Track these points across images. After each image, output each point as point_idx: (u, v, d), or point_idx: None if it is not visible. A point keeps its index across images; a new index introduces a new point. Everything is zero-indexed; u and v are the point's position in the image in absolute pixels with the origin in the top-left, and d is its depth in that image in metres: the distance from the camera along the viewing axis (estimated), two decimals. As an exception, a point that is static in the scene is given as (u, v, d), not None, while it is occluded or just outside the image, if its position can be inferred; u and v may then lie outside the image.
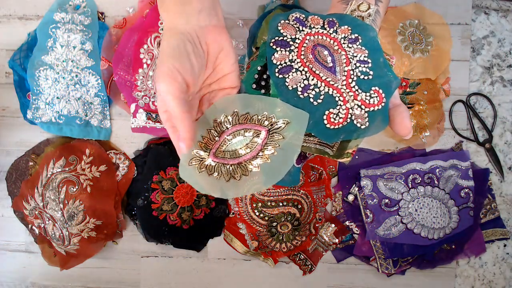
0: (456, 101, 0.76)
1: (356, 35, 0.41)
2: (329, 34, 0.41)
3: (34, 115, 0.74)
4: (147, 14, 0.72)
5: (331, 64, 0.39)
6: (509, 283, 0.77)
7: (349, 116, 0.38)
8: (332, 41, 0.40)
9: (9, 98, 0.78)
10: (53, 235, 0.72)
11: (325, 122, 0.38)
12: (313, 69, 0.39)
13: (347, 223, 0.76)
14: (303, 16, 0.42)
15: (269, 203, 0.71)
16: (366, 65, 0.40)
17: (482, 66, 0.77)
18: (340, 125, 0.38)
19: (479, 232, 0.76)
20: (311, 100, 0.38)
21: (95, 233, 0.73)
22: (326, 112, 0.38)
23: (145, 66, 0.71)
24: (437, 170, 0.73)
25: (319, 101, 0.38)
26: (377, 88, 0.39)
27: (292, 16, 0.41)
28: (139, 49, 0.71)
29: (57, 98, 0.74)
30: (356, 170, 0.75)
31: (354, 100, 0.38)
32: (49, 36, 0.73)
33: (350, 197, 0.75)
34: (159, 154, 0.73)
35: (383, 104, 0.39)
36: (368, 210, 0.74)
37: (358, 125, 0.38)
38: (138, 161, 0.76)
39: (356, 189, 0.75)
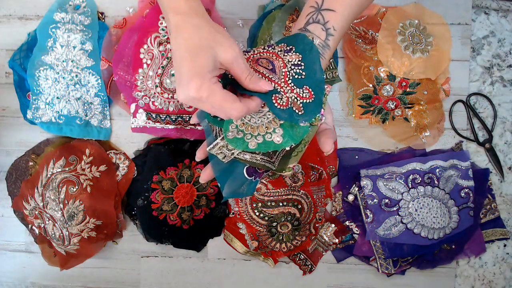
0: (456, 101, 0.76)
1: (291, 46, 0.50)
2: (268, 50, 0.51)
3: (34, 115, 0.74)
4: (147, 14, 0.72)
5: (271, 67, 0.49)
6: (509, 283, 0.77)
7: (289, 103, 0.48)
8: (271, 54, 0.50)
9: (9, 98, 0.78)
10: (53, 235, 0.72)
11: (273, 101, 0.48)
12: (259, 70, 0.49)
13: (347, 223, 0.76)
14: (249, 49, 0.54)
15: (269, 203, 0.71)
16: (299, 67, 0.50)
17: (482, 66, 0.77)
18: (284, 107, 0.48)
19: (479, 232, 0.76)
20: None
21: (95, 233, 0.73)
22: (273, 95, 0.48)
23: (145, 66, 0.71)
24: (437, 170, 0.73)
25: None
26: (307, 87, 0.50)
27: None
28: (139, 49, 0.71)
29: (57, 98, 0.74)
30: (356, 170, 0.75)
31: (291, 93, 0.49)
32: (49, 36, 0.73)
33: (350, 197, 0.75)
34: (159, 154, 0.73)
35: (313, 98, 0.49)
36: (368, 210, 0.74)
37: (297, 111, 0.49)
38: (138, 161, 0.76)
39: (356, 189, 0.75)
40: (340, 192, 0.77)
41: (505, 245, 0.77)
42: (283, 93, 0.49)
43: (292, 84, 0.49)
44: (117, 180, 0.75)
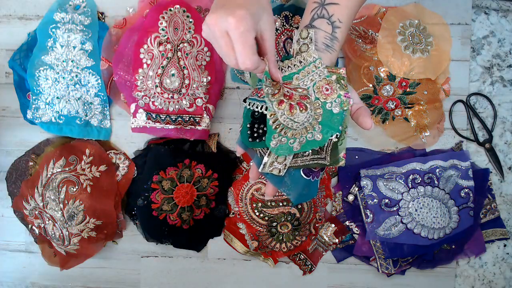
0: (456, 101, 0.76)
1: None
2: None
3: (34, 115, 0.74)
4: (147, 14, 0.72)
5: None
6: (509, 283, 0.77)
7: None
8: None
9: (9, 98, 0.78)
10: (53, 235, 0.72)
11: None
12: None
13: (347, 223, 0.76)
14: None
15: (269, 203, 0.71)
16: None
17: (482, 66, 0.77)
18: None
19: (479, 232, 0.76)
20: None
21: (95, 233, 0.73)
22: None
23: (145, 66, 0.71)
24: (437, 170, 0.73)
25: None
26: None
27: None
28: (139, 49, 0.71)
29: (57, 98, 0.74)
30: (356, 170, 0.75)
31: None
32: (49, 36, 0.73)
33: (350, 197, 0.75)
34: (159, 154, 0.73)
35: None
36: (368, 210, 0.74)
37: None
38: (138, 161, 0.76)
39: (356, 189, 0.75)
40: (340, 192, 0.76)
41: (505, 245, 0.77)
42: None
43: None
44: (117, 180, 0.75)
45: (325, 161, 0.52)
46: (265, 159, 0.51)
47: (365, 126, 0.52)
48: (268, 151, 0.51)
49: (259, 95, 0.52)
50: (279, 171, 0.52)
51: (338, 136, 0.51)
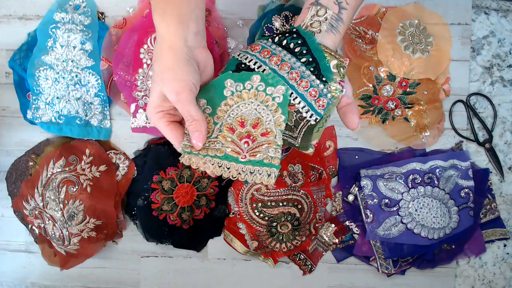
0: (456, 101, 0.76)
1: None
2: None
3: (34, 115, 0.74)
4: (147, 14, 0.72)
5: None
6: (509, 283, 0.77)
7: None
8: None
9: (9, 98, 0.78)
10: (53, 235, 0.72)
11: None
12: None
13: (347, 223, 0.76)
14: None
15: (269, 203, 0.71)
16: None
17: (482, 66, 0.77)
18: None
19: (479, 232, 0.76)
20: None
21: (95, 233, 0.73)
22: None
23: (145, 66, 0.71)
24: (437, 170, 0.73)
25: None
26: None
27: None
28: (139, 49, 0.71)
29: (57, 98, 0.74)
30: (356, 170, 0.75)
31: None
32: (49, 36, 0.73)
33: (350, 197, 0.75)
34: (159, 154, 0.73)
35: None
36: (368, 210, 0.74)
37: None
38: (138, 161, 0.76)
39: (356, 189, 0.75)
40: (340, 192, 0.77)
41: (505, 245, 0.77)
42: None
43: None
44: (117, 180, 0.75)
45: (295, 141, 0.48)
46: None
47: (351, 125, 0.50)
48: None
49: (252, 49, 0.49)
50: None
51: (317, 120, 0.48)
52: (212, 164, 0.48)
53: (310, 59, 0.48)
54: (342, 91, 0.48)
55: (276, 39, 0.50)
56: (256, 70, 0.48)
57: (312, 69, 0.48)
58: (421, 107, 0.74)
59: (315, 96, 0.47)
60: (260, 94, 0.48)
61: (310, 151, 0.49)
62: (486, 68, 0.77)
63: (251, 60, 0.48)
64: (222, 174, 0.47)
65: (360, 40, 0.74)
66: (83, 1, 0.75)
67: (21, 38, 0.77)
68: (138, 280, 0.79)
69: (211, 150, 0.48)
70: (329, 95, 0.47)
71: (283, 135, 0.48)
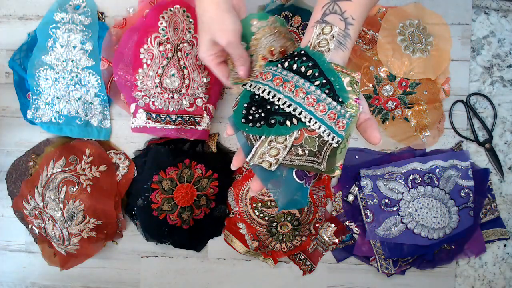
0: (456, 101, 0.76)
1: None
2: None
3: (34, 115, 0.74)
4: (147, 14, 0.72)
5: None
6: (509, 283, 0.77)
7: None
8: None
9: (9, 98, 0.78)
10: (53, 235, 0.72)
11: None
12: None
13: (347, 223, 0.76)
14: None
15: (269, 203, 0.71)
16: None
17: (482, 66, 0.77)
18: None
19: (479, 232, 0.76)
20: None
21: (95, 233, 0.73)
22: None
23: (145, 66, 0.71)
24: (437, 170, 0.73)
25: None
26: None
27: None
28: (139, 49, 0.71)
29: (57, 98, 0.74)
30: (356, 170, 0.75)
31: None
32: (49, 36, 0.73)
33: (350, 197, 0.75)
34: (159, 154, 0.73)
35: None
36: (368, 210, 0.74)
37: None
38: (138, 161, 0.76)
39: (356, 189, 0.75)
40: (340, 192, 0.77)
41: (505, 245, 0.77)
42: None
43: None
44: (117, 180, 0.75)
45: (320, 166, 0.48)
46: (256, 148, 0.46)
47: (373, 140, 0.50)
48: (260, 140, 0.46)
49: (263, 77, 0.49)
50: (270, 165, 0.47)
51: (339, 142, 0.47)
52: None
53: (324, 81, 0.47)
54: (359, 108, 0.47)
55: (286, 64, 0.49)
56: (270, 100, 0.47)
57: (327, 91, 0.47)
58: (421, 107, 0.74)
59: (334, 118, 0.47)
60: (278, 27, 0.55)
61: (337, 173, 0.48)
62: (486, 68, 0.77)
63: (264, 90, 0.48)
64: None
65: (360, 40, 0.74)
66: (83, 1, 0.75)
67: (21, 38, 0.77)
68: (138, 280, 0.79)
69: (252, 78, 0.54)
70: (347, 115, 0.47)
71: (308, 163, 0.48)
